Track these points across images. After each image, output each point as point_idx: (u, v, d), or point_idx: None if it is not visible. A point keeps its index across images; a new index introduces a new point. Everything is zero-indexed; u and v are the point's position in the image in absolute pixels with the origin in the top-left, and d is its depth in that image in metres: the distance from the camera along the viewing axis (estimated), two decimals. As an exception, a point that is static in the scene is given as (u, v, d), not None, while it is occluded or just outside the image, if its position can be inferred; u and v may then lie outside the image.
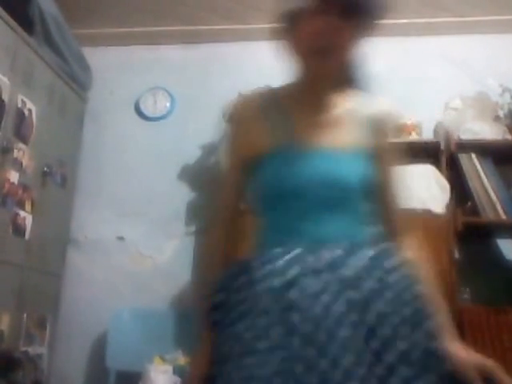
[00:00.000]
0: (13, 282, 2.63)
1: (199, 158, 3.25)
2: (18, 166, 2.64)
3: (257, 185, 1.30)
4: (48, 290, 2.96)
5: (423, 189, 2.61)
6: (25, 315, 2.70)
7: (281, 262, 1.18)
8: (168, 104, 3.38)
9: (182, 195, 3.22)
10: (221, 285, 1.26)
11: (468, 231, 2.61)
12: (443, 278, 1.31)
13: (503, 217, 2.64)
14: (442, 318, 1.22)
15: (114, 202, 3.25)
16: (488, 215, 2.65)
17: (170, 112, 3.38)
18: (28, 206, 2.72)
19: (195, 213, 3.19)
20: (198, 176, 3.24)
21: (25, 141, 2.70)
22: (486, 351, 1.20)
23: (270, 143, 1.28)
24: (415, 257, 1.29)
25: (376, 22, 1.23)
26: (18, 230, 2.66)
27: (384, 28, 1.28)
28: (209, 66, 3.37)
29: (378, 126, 1.33)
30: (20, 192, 2.66)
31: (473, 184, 2.69)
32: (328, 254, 1.17)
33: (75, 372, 3.03)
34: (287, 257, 1.18)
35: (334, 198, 1.23)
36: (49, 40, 2.93)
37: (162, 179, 3.25)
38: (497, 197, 2.66)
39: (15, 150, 2.61)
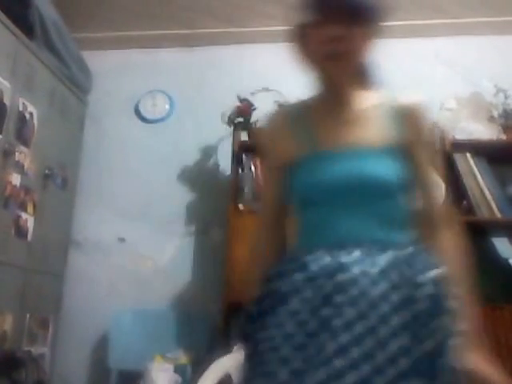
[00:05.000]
0: (16, 283, 2.66)
1: (198, 159, 3.29)
2: (19, 168, 2.67)
3: (290, 190, 1.35)
4: (50, 290, 2.98)
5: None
6: (27, 316, 2.73)
7: (295, 266, 1.22)
8: (167, 106, 3.41)
9: (182, 196, 3.25)
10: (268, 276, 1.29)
11: (463, 230, 2.63)
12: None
13: (498, 215, 2.66)
14: (467, 326, 1.21)
15: (114, 204, 3.28)
16: (483, 214, 2.67)
17: (169, 114, 3.41)
18: (30, 208, 2.75)
19: (195, 214, 3.23)
20: (197, 177, 3.27)
21: (26, 144, 2.73)
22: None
23: (296, 150, 1.32)
24: (450, 257, 1.27)
25: (380, 23, 1.27)
26: (20, 232, 2.69)
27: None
28: (207, 69, 3.39)
29: (409, 120, 1.32)
30: (22, 194, 2.68)
31: (468, 183, 2.71)
32: (345, 257, 1.18)
33: (77, 371, 3.06)
34: (306, 259, 1.22)
35: (360, 197, 1.24)
36: (49, 44, 2.96)
37: (162, 180, 3.27)
38: (492, 196, 2.68)
39: (17, 153, 2.64)
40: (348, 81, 1.34)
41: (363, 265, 1.16)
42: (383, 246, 1.20)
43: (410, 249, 1.23)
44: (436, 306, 1.16)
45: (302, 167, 1.30)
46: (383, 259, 1.18)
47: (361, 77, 1.37)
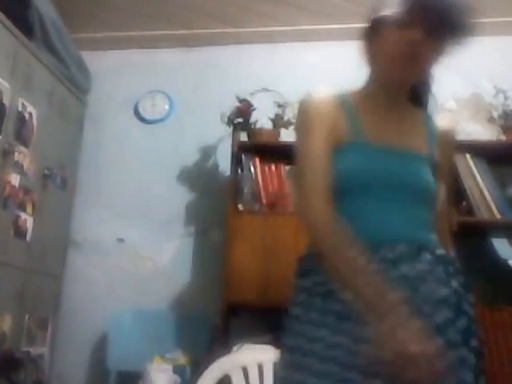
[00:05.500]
0: (14, 283, 2.66)
1: (197, 159, 3.29)
2: (18, 168, 2.66)
3: (335, 174, 1.30)
4: (49, 291, 2.98)
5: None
6: (26, 316, 2.73)
7: None
8: (166, 107, 3.41)
9: (181, 197, 3.24)
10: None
11: (463, 231, 2.63)
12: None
13: (498, 216, 2.65)
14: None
15: (113, 204, 3.28)
16: (483, 215, 2.66)
17: (168, 115, 3.41)
18: (29, 209, 2.75)
19: (194, 214, 3.23)
20: (197, 177, 3.27)
21: (25, 144, 2.73)
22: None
23: (349, 136, 1.31)
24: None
25: (462, 41, 1.26)
26: (20, 232, 2.69)
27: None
28: (206, 69, 3.40)
29: (444, 142, 1.38)
30: (21, 194, 2.68)
31: (467, 184, 2.70)
32: (390, 254, 1.21)
33: (76, 372, 3.06)
34: None
35: (407, 197, 1.27)
36: (48, 44, 2.96)
37: (161, 181, 3.27)
38: (491, 197, 2.67)
39: (16, 153, 2.63)
40: (406, 85, 1.35)
41: (409, 262, 1.20)
42: (423, 246, 1.25)
43: (442, 250, 1.29)
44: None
45: (354, 154, 1.29)
46: (427, 256, 1.23)
47: (417, 90, 1.39)
